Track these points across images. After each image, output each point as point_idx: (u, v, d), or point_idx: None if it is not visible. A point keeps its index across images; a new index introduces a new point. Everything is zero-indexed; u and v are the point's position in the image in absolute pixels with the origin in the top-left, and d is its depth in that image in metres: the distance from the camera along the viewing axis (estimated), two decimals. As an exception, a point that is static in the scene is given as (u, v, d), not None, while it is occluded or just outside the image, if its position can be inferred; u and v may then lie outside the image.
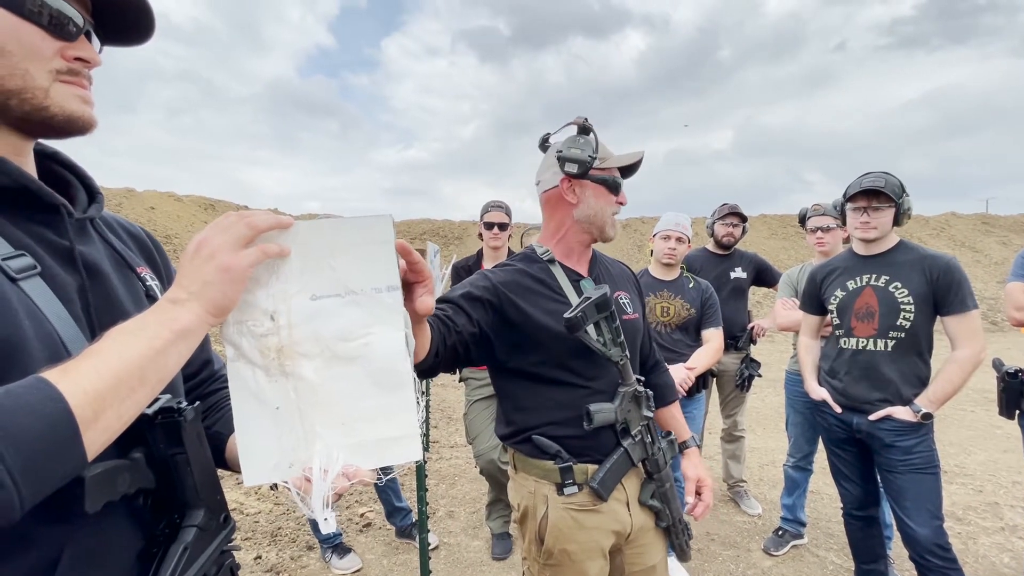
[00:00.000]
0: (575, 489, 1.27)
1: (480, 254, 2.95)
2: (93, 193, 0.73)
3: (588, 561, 1.30)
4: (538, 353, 1.29)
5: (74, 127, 0.63)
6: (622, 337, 1.27)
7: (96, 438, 0.49)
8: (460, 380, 2.99)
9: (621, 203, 1.39)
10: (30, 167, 0.65)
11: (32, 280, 0.58)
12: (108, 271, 0.68)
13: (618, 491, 1.31)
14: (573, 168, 1.30)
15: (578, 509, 1.29)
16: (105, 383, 0.50)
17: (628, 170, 1.41)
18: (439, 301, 1.21)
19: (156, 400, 0.60)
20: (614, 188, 1.37)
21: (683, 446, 1.48)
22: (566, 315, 1.19)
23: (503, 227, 2.83)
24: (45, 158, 0.69)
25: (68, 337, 0.58)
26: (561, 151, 1.32)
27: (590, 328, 1.22)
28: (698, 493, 1.46)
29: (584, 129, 1.33)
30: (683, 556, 1.44)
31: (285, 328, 0.64)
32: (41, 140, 0.67)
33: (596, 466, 1.29)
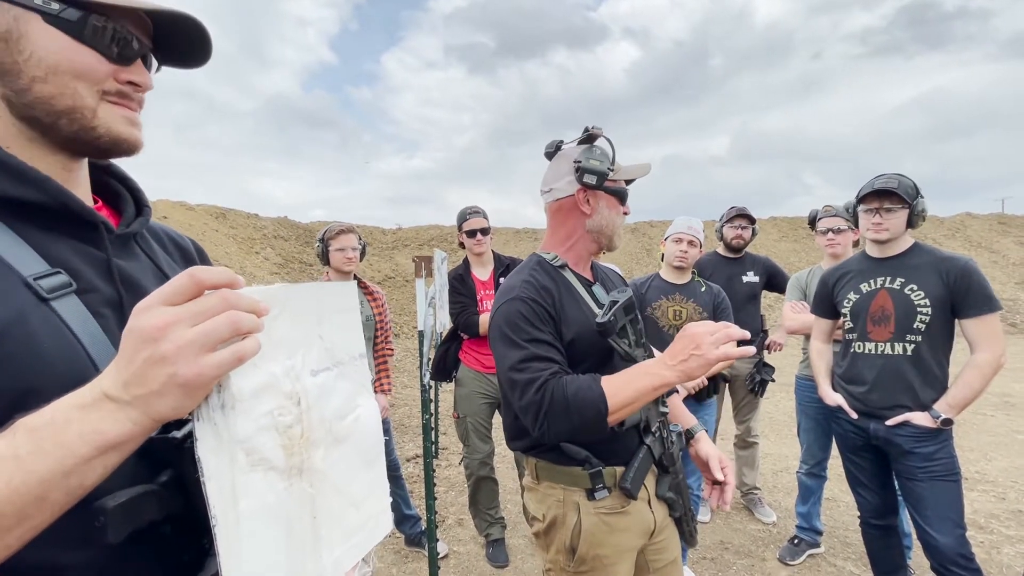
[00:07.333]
0: (606, 493, 1.27)
1: (466, 262, 2.95)
2: (141, 206, 0.72)
3: (619, 564, 1.30)
4: (571, 362, 1.28)
5: (119, 149, 0.63)
6: (644, 338, 1.28)
7: None
8: (450, 380, 2.98)
9: (626, 212, 1.41)
10: (83, 183, 0.65)
11: (66, 299, 0.55)
12: (147, 286, 0.65)
13: (640, 491, 1.31)
14: (592, 179, 1.31)
15: (608, 512, 1.29)
16: None
17: (629, 179, 1.43)
18: (540, 359, 1.20)
19: (185, 422, 0.55)
20: (624, 198, 1.39)
21: (689, 434, 1.43)
22: (598, 319, 1.19)
23: (485, 232, 2.86)
24: (99, 170, 0.70)
25: (98, 356, 0.56)
26: (580, 161, 1.32)
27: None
28: (722, 470, 1.36)
29: (600, 140, 1.35)
30: (691, 541, 1.45)
31: (306, 412, 0.55)
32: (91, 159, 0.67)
33: (623, 467, 1.29)
